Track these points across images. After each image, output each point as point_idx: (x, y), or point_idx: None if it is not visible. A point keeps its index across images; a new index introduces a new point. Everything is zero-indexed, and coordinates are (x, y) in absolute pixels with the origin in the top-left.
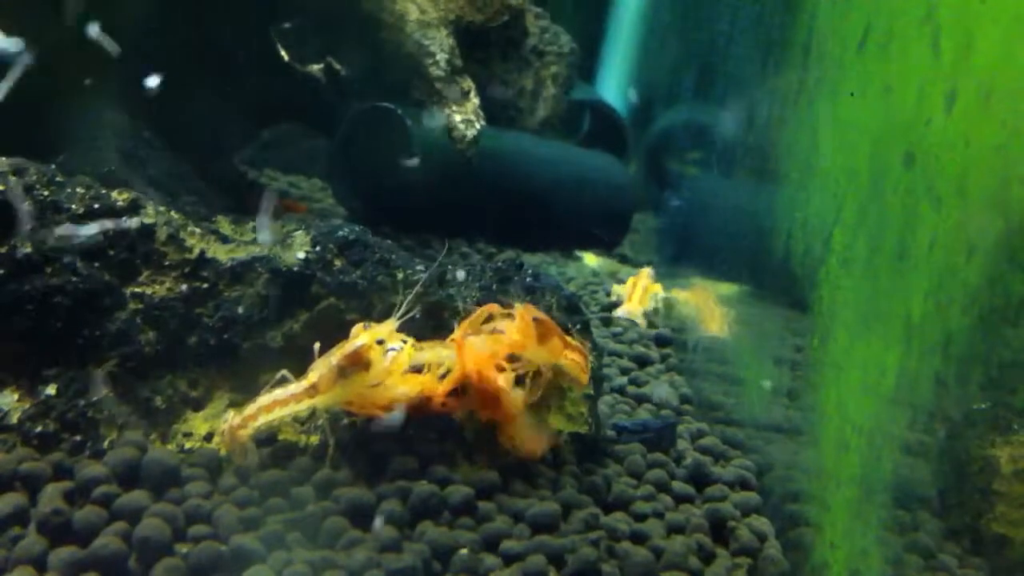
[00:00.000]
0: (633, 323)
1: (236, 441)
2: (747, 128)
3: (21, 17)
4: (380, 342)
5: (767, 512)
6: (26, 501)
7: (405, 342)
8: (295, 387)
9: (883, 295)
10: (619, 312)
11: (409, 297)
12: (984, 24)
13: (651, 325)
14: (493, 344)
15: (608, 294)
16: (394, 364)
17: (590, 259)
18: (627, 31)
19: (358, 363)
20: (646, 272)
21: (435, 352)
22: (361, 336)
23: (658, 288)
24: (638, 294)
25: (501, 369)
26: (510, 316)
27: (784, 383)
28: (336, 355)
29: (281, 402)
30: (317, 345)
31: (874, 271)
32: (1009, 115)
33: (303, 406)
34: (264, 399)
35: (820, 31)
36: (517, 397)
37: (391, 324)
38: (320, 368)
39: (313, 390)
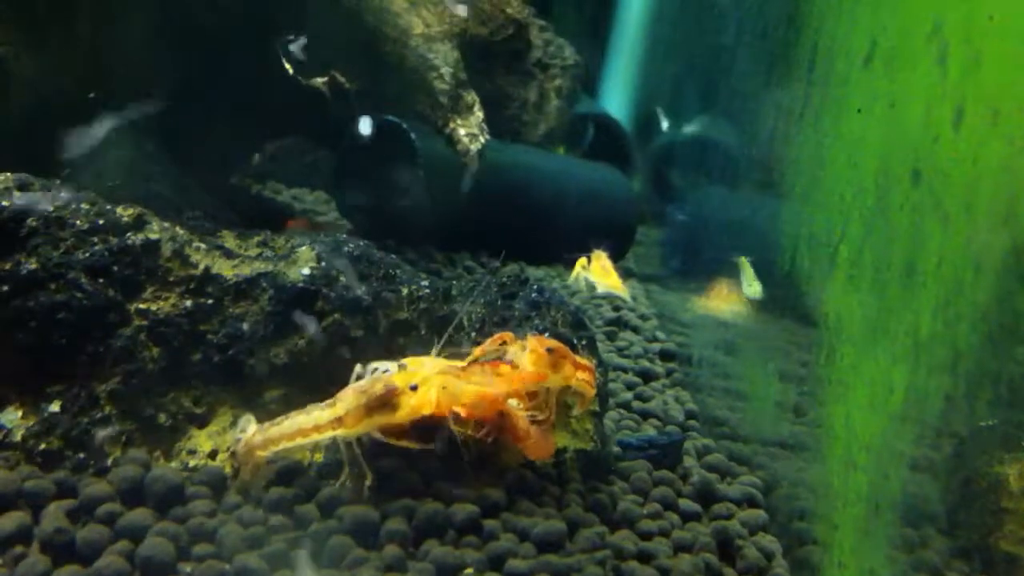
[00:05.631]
0: (620, 297)
1: (251, 459)
2: (752, 142)
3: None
4: (414, 388)
5: (774, 530)
6: (29, 519)
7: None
8: (319, 416)
9: (890, 311)
10: (600, 291)
11: (444, 337)
12: (992, 41)
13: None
14: (506, 384)
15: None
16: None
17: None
18: (631, 44)
19: (386, 405)
20: (601, 253)
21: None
22: (395, 377)
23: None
24: (611, 272)
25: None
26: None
27: (790, 399)
28: (367, 393)
29: (305, 431)
30: (358, 368)
31: (881, 287)
32: (1017, 132)
33: (325, 437)
34: (288, 425)
35: (825, 46)
36: (524, 420)
37: (428, 368)
38: (348, 402)
39: (338, 423)
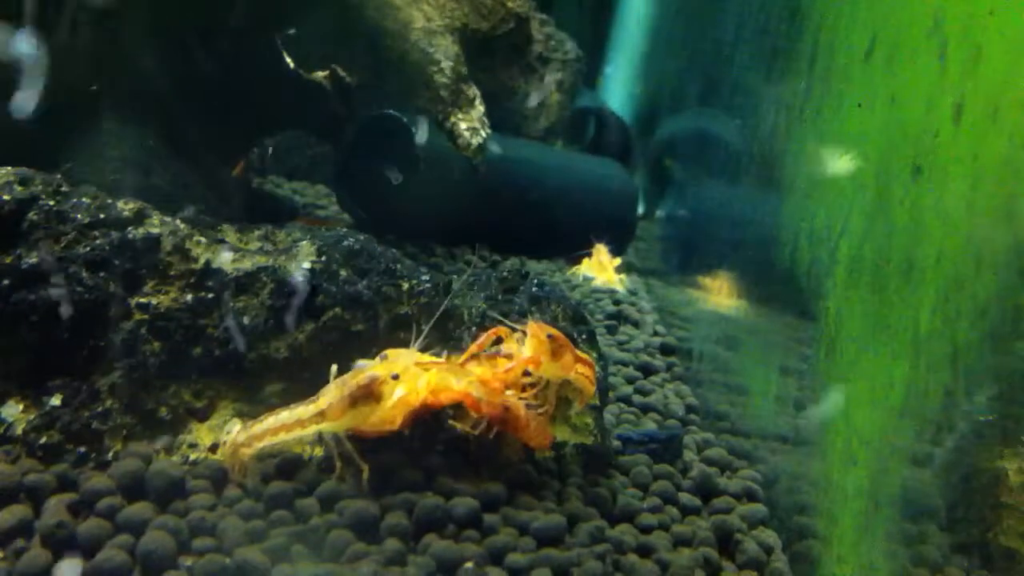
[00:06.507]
0: (615, 290)
1: (238, 458)
2: (752, 137)
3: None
4: (395, 377)
5: (774, 524)
6: (30, 513)
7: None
8: (302, 411)
9: (890, 307)
10: (596, 284)
11: (427, 328)
12: (992, 36)
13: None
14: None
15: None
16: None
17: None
18: (632, 38)
19: (369, 396)
20: (603, 248)
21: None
22: (376, 368)
23: (617, 260)
24: (608, 265)
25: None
26: (522, 333)
27: (790, 393)
28: (349, 385)
29: (288, 427)
30: (334, 368)
31: (881, 283)
32: (1017, 128)
33: (309, 431)
34: (271, 421)
35: (826, 41)
36: (523, 410)
37: (409, 358)
38: (331, 395)
39: (321, 417)
